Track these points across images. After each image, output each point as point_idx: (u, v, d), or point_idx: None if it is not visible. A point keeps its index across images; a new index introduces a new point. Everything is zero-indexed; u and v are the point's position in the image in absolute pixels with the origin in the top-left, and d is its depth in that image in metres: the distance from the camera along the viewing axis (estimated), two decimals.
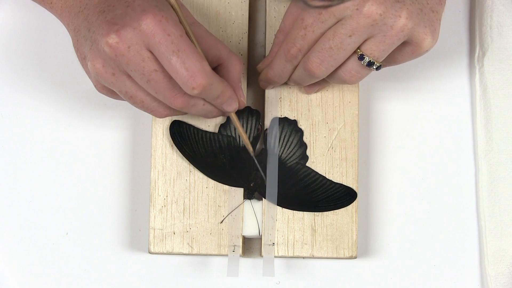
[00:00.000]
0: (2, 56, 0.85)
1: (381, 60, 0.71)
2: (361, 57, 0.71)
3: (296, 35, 0.72)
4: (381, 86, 0.85)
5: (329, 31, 0.70)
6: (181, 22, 0.70)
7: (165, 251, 0.79)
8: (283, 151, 0.79)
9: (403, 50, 0.72)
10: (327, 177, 0.80)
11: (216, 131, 0.79)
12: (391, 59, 0.73)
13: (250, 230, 0.79)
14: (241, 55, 0.81)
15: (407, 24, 0.69)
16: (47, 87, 0.85)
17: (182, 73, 0.67)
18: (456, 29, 0.86)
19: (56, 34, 0.85)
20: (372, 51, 0.70)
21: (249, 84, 0.82)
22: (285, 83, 0.80)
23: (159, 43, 0.67)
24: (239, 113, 0.79)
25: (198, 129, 0.79)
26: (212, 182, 0.79)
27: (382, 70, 0.85)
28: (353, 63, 0.71)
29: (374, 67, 0.71)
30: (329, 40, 0.70)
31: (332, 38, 0.70)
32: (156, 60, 0.68)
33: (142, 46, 0.68)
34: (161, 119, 0.79)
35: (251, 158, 0.79)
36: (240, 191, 0.79)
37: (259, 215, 0.79)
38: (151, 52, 0.68)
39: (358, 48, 0.71)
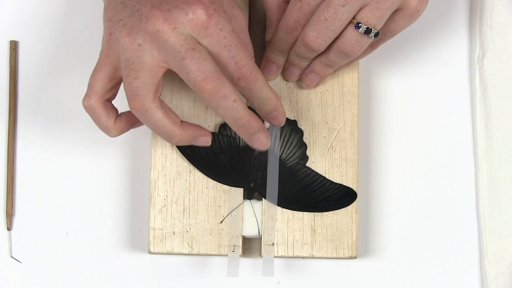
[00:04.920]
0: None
1: (378, 28, 0.72)
2: (358, 26, 0.72)
3: (293, 8, 0.74)
4: (381, 87, 0.85)
5: (323, 3, 0.72)
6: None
7: (165, 251, 0.79)
8: (283, 151, 0.79)
9: (395, 17, 0.73)
10: (327, 177, 0.79)
11: (216, 131, 0.79)
12: (387, 30, 0.74)
13: (250, 230, 0.79)
14: None
15: None
16: (47, 93, 0.85)
17: (231, 66, 0.68)
18: (456, 29, 0.86)
19: (55, 51, 0.85)
20: (368, 18, 0.71)
21: None
22: (285, 82, 0.80)
23: (210, 36, 0.68)
24: None
25: None
26: (212, 182, 0.79)
27: (382, 71, 0.85)
28: (351, 32, 0.73)
29: (373, 34, 0.72)
30: (324, 12, 0.71)
31: (327, 9, 0.71)
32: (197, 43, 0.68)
33: (189, 33, 0.68)
34: None
35: (251, 158, 0.79)
36: (240, 191, 0.79)
37: (259, 215, 0.79)
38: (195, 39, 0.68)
39: (354, 17, 0.72)
